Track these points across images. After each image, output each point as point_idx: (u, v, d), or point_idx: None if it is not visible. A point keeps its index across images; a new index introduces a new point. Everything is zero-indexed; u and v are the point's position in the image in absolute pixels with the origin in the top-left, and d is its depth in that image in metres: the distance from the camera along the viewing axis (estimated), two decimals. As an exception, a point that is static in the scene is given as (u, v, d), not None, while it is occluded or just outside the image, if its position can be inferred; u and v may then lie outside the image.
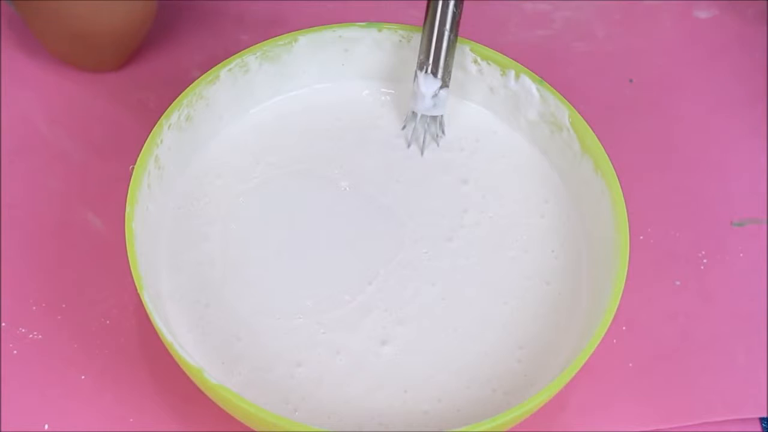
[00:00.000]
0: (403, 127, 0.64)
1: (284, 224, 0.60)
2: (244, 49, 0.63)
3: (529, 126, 0.64)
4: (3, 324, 0.60)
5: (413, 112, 0.63)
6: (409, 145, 0.64)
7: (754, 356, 0.62)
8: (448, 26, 0.61)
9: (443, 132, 0.64)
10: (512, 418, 0.51)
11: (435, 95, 0.62)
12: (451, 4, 0.61)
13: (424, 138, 0.64)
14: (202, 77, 0.61)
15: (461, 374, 0.56)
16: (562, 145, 0.62)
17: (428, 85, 0.61)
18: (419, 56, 0.62)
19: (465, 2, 0.77)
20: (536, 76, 0.63)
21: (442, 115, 0.63)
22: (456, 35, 0.62)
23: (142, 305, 0.52)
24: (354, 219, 0.61)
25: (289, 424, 0.50)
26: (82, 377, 0.58)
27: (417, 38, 0.64)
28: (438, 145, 0.64)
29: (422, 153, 0.64)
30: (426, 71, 0.61)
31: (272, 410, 0.50)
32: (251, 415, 0.50)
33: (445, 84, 0.62)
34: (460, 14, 0.62)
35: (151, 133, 0.58)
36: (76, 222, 0.64)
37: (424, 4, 0.72)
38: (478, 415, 0.52)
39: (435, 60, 0.61)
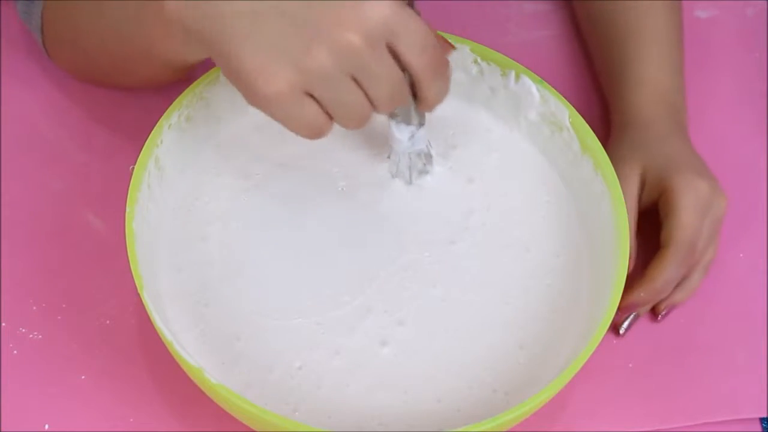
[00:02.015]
0: (388, 157, 0.61)
1: (284, 224, 0.60)
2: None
3: (530, 126, 0.64)
4: (3, 324, 0.60)
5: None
6: (393, 177, 0.61)
7: (754, 356, 0.62)
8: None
9: (431, 164, 0.61)
10: (512, 418, 0.51)
11: (412, 137, 0.58)
12: None
13: (410, 173, 0.61)
14: (202, 77, 0.61)
15: (461, 374, 0.56)
16: (562, 145, 0.62)
17: (402, 131, 0.57)
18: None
19: (465, 2, 0.77)
20: (536, 76, 0.63)
21: (428, 146, 0.60)
22: None
23: (142, 305, 0.52)
24: (355, 220, 0.61)
25: (289, 424, 0.50)
26: (82, 377, 0.58)
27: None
28: (428, 173, 0.61)
29: (410, 182, 0.61)
30: (397, 121, 0.57)
31: (272, 410, 0.50)
32: (251, 415, 0.50)
33: (420, 124, 0.57)
34: None
35: (151, 133, 0.58)
36: (77, 222, 0.64)
37: (424, 4, 0.72)
38: (478, 415, 0.52)
39: (404, 110, 0.56)
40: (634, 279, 0.60)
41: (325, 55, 0.48)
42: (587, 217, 0.60)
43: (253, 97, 0.49)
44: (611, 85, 0.69)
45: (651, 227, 0.62)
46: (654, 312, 0.63)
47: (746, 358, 0.62)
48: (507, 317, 0.58)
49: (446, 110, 0.65)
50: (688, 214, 0.60)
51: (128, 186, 0.56)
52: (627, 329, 0.62)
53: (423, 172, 0.62)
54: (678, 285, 0.62)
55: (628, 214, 0.57)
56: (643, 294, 0.60)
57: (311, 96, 0.50)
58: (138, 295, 0.53)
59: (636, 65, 0.68)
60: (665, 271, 0.60)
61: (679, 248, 0.60)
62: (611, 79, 0.70)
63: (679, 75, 0.69)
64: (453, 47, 0.56)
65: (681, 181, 0.61)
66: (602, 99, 0.72)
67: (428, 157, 0.61)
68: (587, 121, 0.61)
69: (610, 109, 0.69)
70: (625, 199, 0.58)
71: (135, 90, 0.70)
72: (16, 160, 0.67)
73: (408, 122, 0.57)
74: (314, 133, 0.51)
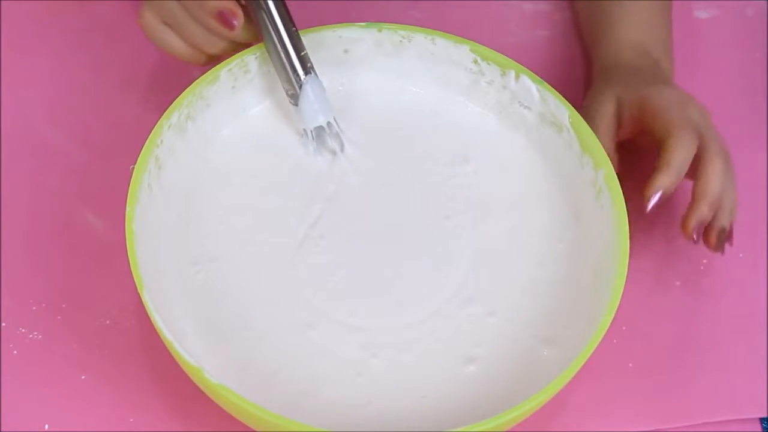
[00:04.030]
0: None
1: (286, 224, 0.60)
2: (244, 49, 0.63)
3: (530, 126, 0.64)
4: (3, 324, 0.60)
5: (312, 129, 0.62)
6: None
7: (754, 356, 0.62)
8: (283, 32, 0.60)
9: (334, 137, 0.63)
10: (512, 418, 0.51)
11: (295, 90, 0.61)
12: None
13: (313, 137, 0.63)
14: (202, 77, 0.61)
15: (461, 374, 0.56)
16: (563, 146, 0.62)
17: (317, 87, 0.61)
18: (292, 79, 0.61)
19: (465, 2, 0.77)
20: (536, 76, 0.63)
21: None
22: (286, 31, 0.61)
23: (142, 305, 0.52)
24: (359, 221, 0.61)
25: (289, 424, 0.50)
26: (82, 377, 0.58)
27: (418, 38, 0.64)
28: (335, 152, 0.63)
29: (317, 151, 0.63)
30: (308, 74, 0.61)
31: (272, 410, 0.50)
32: (251, 415, 0.50)
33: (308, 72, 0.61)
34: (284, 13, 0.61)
35: (151, 133, 0.58)
36: (77, 222, 0.64)
37: (424, 4, 0.72)
38: (478, 415, 0.52)
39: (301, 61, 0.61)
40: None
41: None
42: (587, 218, 0.60)
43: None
44: (593, 47, 0.71)
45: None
46: (709, 242, 0.61)
47: (746, 358, 0.62)
48: (506, 317, 0.58)
49: (443, 109, 0.65)
50: (668, 100, 0.62)
51: (128, 186, 0.56)
52: (653, 205, 0.60)
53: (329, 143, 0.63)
54: (719, 207, 0.61)
55: (602, 136, 0.61)
56: (667, 178, 0.59)
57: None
58: (138, 295, 0.53)
59: (619, 26, 0.69)
60: (678, 147, 0.59)
61: (679, 125, 0.60)
62: (594, 41, 0.71)
63: (664, 39, 0.70)
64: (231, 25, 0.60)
65: (654, 90, 0.62)
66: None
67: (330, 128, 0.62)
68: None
69: (592, 70, 0.70)
70: (599, 122, 0.61)
71: (135, 88, 0.70)
72: (15, 160, 0.67)
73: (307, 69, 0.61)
74: (183, 54, 0.62)
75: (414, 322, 0.57)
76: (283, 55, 0.61)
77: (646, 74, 0.66)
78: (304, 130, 0.63)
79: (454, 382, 0.55)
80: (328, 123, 0.62)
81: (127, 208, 0.55)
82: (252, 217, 0.61)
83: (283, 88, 0.62)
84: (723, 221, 0.61)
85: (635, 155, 0.69)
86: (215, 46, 0.61)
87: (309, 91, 0.61)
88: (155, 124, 0.59)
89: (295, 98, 0.61)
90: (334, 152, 0.63)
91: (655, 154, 0.70)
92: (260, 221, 0.60)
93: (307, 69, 0.61)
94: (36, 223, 0.64)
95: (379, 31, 0.64)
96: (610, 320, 0.53)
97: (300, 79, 0.61)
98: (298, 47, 0.61)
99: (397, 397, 0.55)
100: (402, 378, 0.55)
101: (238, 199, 0.61)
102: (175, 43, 0.62)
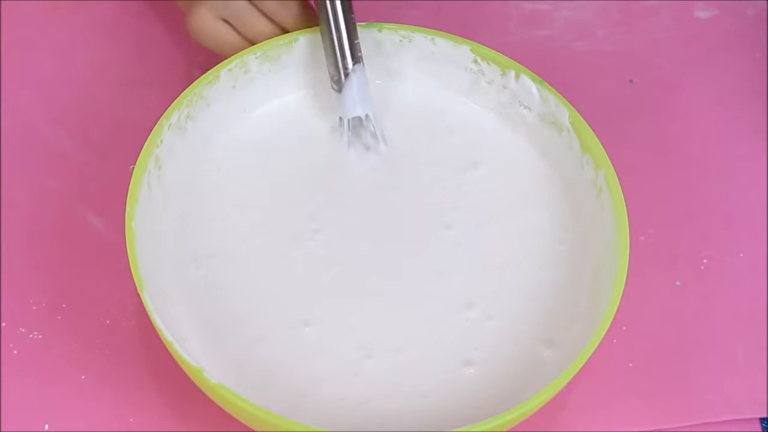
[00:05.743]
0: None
1: (286, 225, 0.60)
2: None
3: (530, 126, 0.64)
4: (3, 324, 0.60)
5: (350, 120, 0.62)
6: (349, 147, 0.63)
7: (754, 356, 0.62)
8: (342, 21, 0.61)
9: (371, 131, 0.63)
10: (512, 418, 0.51)
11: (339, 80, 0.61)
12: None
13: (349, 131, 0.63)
14: (202, 77, 0.61)
15: (460, 375, 0.56)
16: (563, 146, 0.62)
17: (362, 78, 0.61)
18: (339, 64, 0.61)
19: (465, 2, 0.77)
20: (536, 76, 0.63)
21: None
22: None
23: (142, 305, 0.52)
24: (360, 221, 0.61)
25: (289, 423, 0.50)
26: (82, 377, 0.58)
27: (418, 38, 0.64)
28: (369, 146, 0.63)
29: (348, 146, 0.63)
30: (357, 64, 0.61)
31: (271, 410, 0.50)
32: (251, 415, 0.50)
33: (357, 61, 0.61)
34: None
35: (151, 133, 0.58)
36: (76, 222, 0.64)
37: (425, 4, 0.72)
38: (478, 415, 0.52)
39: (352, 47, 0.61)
40: None
41: None
42: (587, 217, 0.60)
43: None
44: None
45: None
46: None
47: (746, 358, 0.62)
48: (506, 319, 0.58)
49: (445, 110, 0.65)
50: None
51: (128, 186, 0.56)
52: None
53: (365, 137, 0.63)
54: None
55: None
56: None
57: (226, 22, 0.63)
58: (138, 295, 0.53)
59: None
60: None
61: None
62: None
63: None
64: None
65: None
66: (602, 99, 0.72)
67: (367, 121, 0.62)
68: (587, 121, 0.61)
69: None
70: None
71: (135, 88, 0.70)
72: (15, 160, 0.67)
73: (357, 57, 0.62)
74: (235, 47, 0.63)
75: (412, 323, 0.57)
76: (335, 39, 0.60)
77: None
78: (340, 119, 0.62)
79: (454, 383, 0.55)
80: (366, 116, 0.62)
81: (127, 208, 0.55)
82: (252, 218, 0.61)
83: (329, 72, 0.62)
84: None
85: (634, 155, 0.69)
86: (267, 38, 0.62)
87: (354, 80, 0.61)
88: (155, 124, 0.59)
89: (339, 84, 0.61)
90: (367, 147, 0.63)
91: (655, 152, 0.70)
92: (261, 222, 0.60)
93: (357, 58, 0.61)
94: (36, 223, 0.64)
95: (379, 31, 0.64)
96: (610, 320, 0.53)
97: (347, 67, 0.61)
98: (352, 35, 0.61)
99: (396, 397, 0.55)
100: (400, 378, 0.55)
101: (238, 200, 0.61)
102: (230, 38, 0.62)
